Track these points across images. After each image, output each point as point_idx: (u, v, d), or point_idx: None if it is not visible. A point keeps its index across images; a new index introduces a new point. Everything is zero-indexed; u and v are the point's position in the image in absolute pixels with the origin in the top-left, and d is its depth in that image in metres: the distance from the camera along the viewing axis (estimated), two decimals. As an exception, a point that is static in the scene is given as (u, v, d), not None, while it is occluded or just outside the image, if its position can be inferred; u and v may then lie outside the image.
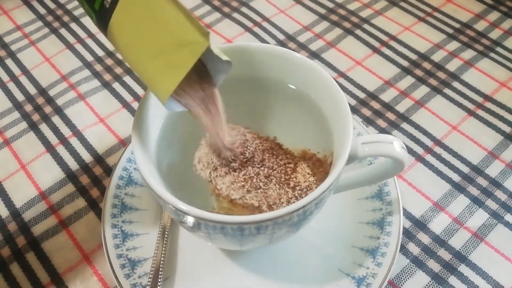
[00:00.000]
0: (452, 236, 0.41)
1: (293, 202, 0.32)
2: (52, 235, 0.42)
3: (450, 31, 0.59)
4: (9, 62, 0.57)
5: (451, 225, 0.42)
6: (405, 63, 0.55)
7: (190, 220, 0.29)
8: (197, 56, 0.25)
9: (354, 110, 0.51)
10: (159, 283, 0.35)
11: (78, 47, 0.58)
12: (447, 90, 0.52)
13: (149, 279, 0.36)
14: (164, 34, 0.26)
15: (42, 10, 0.63)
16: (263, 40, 0.58)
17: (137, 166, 0.31)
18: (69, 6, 0.63)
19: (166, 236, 0.38)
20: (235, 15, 0.61)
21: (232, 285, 0.37)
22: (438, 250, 0.40)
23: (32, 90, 0.53)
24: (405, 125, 0.49)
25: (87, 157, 0.47)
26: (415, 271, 0.39)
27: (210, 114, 0.30)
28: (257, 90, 0.38)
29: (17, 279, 0.39)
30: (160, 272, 0.36)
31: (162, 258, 0.37)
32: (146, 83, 0.29)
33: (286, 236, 0.33)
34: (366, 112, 0.51)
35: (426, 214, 0.43)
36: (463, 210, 0.43)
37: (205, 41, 0.24)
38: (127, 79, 0.54)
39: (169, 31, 0.26)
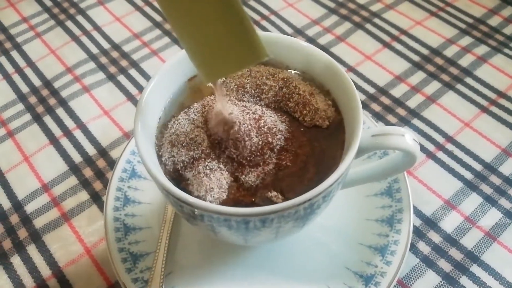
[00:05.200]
0: (464, 235, 0.40)
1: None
2: (54, 228, 0.41)
3: (462, 26, 0.57)
4: (14, 54, 0.56)
5: (463, 224, 0.41)
6: (416, 58, 0.54)
7: (193, 211, 0.28)
8: (252, 63, 0.28)
9: (363, 105, 0.49)
10: (161, 278, 0.35)
11: (84, 39, 0.57)
12: (459, 86, 0.51)
13: (151, 274, 0.35)
14: (231, 30, 0.27)
15: (48, 2, 0.62)
16: (271, 34, 0.57)
17: (139, 155, 0.30)
18: (75, -1, 0.62)
19: (169, 230, 0.37)
20: (243, 8, 0.60)
21: (236, 281, 0.36)
22: (449, 250, 0.39)
23: (36, 82, 0.53)
24: (416, 121, 0.48)
25: (90, 149, 0.47)
26: (425, 271, 0.38)
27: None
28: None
29: (17, 272, 0.39)
30: (162, 267, 0.35)
31: (164, 253, 0.36)
32: (192, 58, 0.29)
33: (292, 232, 0.32)
34: (376, 107, 0.49)
35: (437, 212, 0.41)
36: (476, 208, 0.42)
37: (263, 57, 0.27)
38: (133, 72, 0.53)
39: (237, 31, 0.27)
